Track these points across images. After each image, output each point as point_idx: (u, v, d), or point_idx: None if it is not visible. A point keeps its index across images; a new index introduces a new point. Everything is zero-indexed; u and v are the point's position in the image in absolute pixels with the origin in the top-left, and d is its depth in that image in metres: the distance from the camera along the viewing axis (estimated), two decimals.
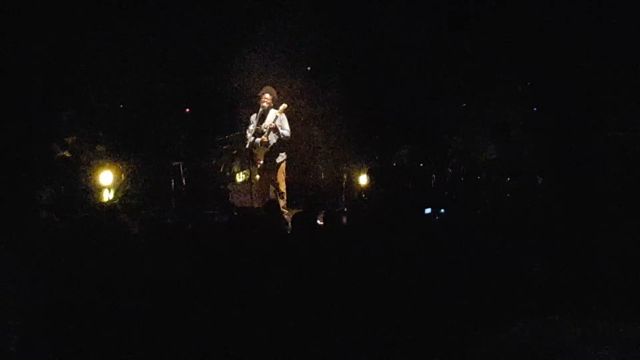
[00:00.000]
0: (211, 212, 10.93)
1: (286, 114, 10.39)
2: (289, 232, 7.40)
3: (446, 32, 11.59)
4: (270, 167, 10.34)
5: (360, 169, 12.42)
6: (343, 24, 12.15)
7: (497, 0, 11.21)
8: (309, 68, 12.50)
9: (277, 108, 10.37)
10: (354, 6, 12.08)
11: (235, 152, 12.49)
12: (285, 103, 10.40)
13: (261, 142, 10.24)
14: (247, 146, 10.44)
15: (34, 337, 5.10)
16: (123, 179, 11.45)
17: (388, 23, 11.98)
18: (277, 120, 10.21)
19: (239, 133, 11.66)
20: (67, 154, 10.91)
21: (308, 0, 11.87)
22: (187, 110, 13.03)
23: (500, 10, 11.16)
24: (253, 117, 10.46)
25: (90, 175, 10.93)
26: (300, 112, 11.56)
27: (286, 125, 10.32)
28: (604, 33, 10.30)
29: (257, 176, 10.73)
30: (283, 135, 10.26)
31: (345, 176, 12.67)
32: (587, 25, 10.36)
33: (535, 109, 11.38)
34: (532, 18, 10.79)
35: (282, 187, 10.38)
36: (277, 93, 10.61)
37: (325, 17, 12.00)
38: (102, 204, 10.53)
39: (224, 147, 12.65)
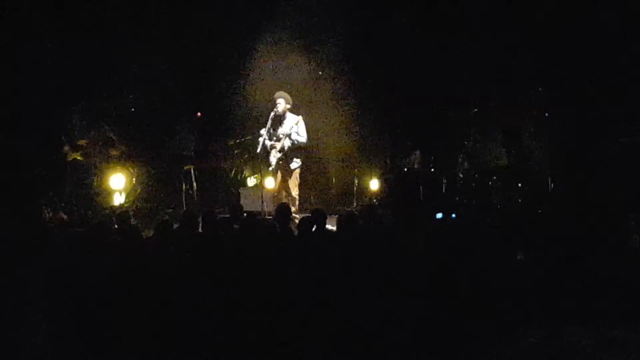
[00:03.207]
0: (222, 216, 10.93)
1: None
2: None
3: (458, 38, 11.55)
4: (284, 172, 10.31)
5: (371, 174, 12.41)
6: (357, 29, 12.14)
7: (508, 6, 11.17)
8: (320, 72, 12.49)
9: (293, 112, 10.34)
10: (368, 12, 12.06)
11: (246, 156, 12.51)
12: (300, 116, 10.34)
13: (271, 146, 10.22)
14: (258, 150, 10.38)
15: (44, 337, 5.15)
16: (135, 182, 11.47)
17: (401, 29, 11.97)
18: (295, 127, 10.14)
19: (250, 137, 11.65)
20: (79, 157, 10.93)
21: (323, 5, 11.85)
22: (199, 114, 13.05)
23: (511, 15, 11.13)
24: (270, 122, 10.36)
25: (102, 178, 10.95)
26: (311, 116, 11.52)
27: (303, 132, 10.24)
28: (616, 38, 10.27)
29: (267, 181, 10.70)
30: (297, 141, 10.17)
31: (356, 181, 12.67)
32: (599, 31, 10.33)
33: (546, 114, 11.33)
34: (544, 23, 10.76)
35: (294, 193, 10.34)
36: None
37: (339, 22, 12.00)
38: (114, 208, 10.54)
39: (236, 152, 12.67)
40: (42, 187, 10.29)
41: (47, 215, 9.57)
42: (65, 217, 9.36)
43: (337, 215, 7.45)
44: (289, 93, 10.60)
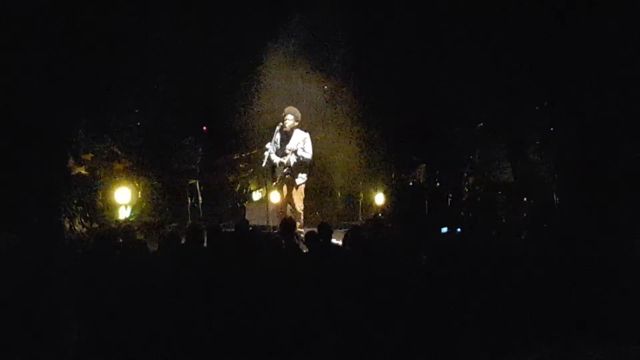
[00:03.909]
0: (227, 230, 10.92)
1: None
2: (303, 250, 7.41)
3: (464, 53, 11.57)
4: (289, 187, 10.29)
5: (376, 188, 12.40)
6: (363, 44, 12.17)
7: (514, 21, 11.19)
8: (325, 87, 12.50)
9: (300, 129, 10.32)
10: (375, 27, 12.09)
11: (252, 170, 12.51)
12: (307, 133, 10.32)
13: (279, 163, 10.20)
14: (264, 164, 10.36)
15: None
16: (140, 196, 11.47)
17: (407, 44, 12.00)
18: (301, 143, 10.11)
19: (256, 151, 11.65)
20: (83, 171, 10.94)
21: (330, 21, 11.88)
22: (205, 128, 13.06)
23: (516, 29, 11.16)
24: (277, 137, 10.37)
25: (107, 192, 10.96)
26: (317, 131, 11.53)
27: (309, 149, 10.21)
28: (624, 51, 10.28)
29: (272, 195, 10.70)
30: (303, 157, 10.14)
31: (361, 195, 12.65)
32: (606, 44, 10.34)
33: (551, 128, 11.33)
34: (549, 37, 10.78)
35: (300, 208, 10.32)
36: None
37: (346, 37, 12.03)
38: (119, 222, 10.54)
39: (241, 166, 12.67)
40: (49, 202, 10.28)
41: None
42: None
43: (342, 230, 7.44)
44: (295, 106, 10.59)
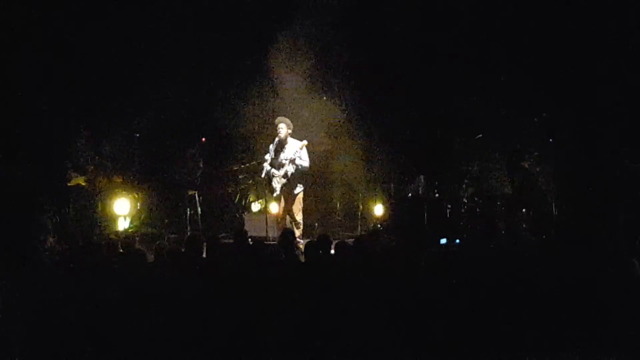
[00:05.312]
0: (226, 241, 10.91)
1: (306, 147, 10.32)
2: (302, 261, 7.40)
3: (463, 64, 11.61)
4: (287, 198, 10.30)
5: (375, 199, 12.40)
6: (363, 55, 12.20)
7: (512, 32, 11.24)
8: (324, 97, 12.52)
9: (293, 137, 10.33)
10: (375, 37, 12.12)
11: (250, 181, 12.52)
12: (306, 140, 10.32)
13: (272, 174, 10.20)
14: (263, 175, 10.40)
15: None
16: (139, 207, 11.47)
17: (407, 56, 12.03)
18: (299, 152, 10.11)
19: (255, 162, 11.66)
20: (82, 182, 10.96)
21: (329, 31, 11.91)
22: (203, 139, 13.07)
23: (516, 41, 11.20)
24: (271, 147, 10.41)
25: (106, 203, 10.97)
26: (317, 142, 11.54)
27: (305, 157, 10.22)
28: (623, 63, 10.31)
29: (271, 206, 10.71)
30: (301, 166, 10.15)
31: (360, 206, 12.65)
32: (605, 56, 10.38)
33: (550, 139, 11.35)
34: (549, 49, 10.82)
35: (299, 217, 10.32)
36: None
37: (345, 48, 12.06)
38: (118, 233, 10.54)
39: (240, 177, 12.67)
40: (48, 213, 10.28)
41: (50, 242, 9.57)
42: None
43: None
44: (294, 117, 10.61)
